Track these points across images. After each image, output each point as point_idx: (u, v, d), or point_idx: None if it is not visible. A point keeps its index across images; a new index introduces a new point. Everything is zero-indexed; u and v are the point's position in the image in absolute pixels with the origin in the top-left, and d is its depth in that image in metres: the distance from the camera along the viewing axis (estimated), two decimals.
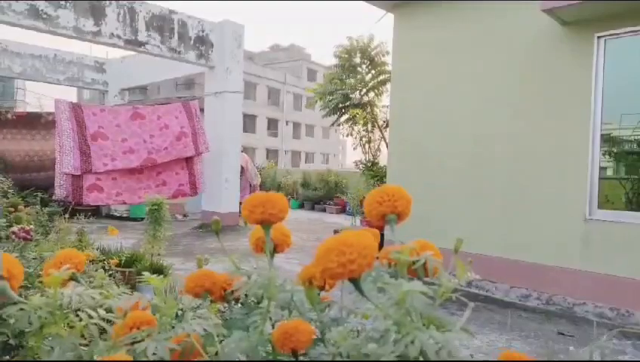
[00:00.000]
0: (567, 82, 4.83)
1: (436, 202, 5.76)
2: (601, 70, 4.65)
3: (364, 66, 12.36)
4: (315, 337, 0.75)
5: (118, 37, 8.39)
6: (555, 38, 4.91)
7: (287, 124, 40.95)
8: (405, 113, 6.32)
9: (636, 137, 4.81)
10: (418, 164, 6.09)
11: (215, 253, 6.70)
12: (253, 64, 38.45)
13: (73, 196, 7.52)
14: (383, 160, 11.31)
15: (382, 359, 0.61)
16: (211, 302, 0.95)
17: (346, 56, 12.33)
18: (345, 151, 52.58)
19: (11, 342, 0.98)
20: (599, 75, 4.66)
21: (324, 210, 15.09)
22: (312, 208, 15.60)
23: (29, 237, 2.20)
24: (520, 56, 5.18)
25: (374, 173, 10.81)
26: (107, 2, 8.19)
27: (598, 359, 0.78)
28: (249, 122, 34.62)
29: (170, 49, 9.17)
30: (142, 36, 8.72)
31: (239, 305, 0.96)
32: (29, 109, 17.43)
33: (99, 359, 0.78)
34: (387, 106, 10.80)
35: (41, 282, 1.39)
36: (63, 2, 7.62)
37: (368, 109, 12.05)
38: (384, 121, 11.50)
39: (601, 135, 4.68)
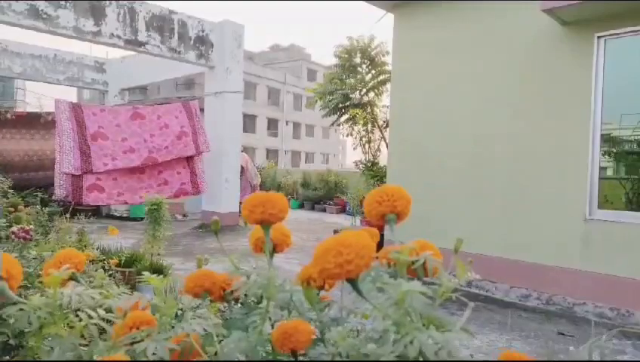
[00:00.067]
0: (567, 82, 4.83)
1: (436, 202, 5.76)
2: (601, 70, 4.65)
3: (364, 66, 12.36)
4: (314, 337, 0.75)
5: (118, 37, 8.39)
6: (555, 38, 4.91)
7: (287, 124, 40.95)
8: (405, 113, 6.32)
9: (636, 137, 4.81)
10: (418, 164, 6.09)
11: (215, 253, 6.70)
12: (253, 64, 38.45)
13: (73, 196, 7.52)
14: (383, 160, 11.31)
15: (381, 359, 0.61)
16: (211, 301, 0.95)
17: (346, 56, 12.33)
18: (345, 151, 52.58)
19: (11, 342, 0.98)
20: (599, 75, 4.66)
21: (324, 210, 15.09)
22: (312, 208, 15.60)
23: (28, 237, 2.20)
24: (520, 56, 5.18)
25: (374, 173, 10.80)
26: (107, 2, 8.19)
27: (598, 359, 0.78)
28: (249, 122, 34.62)
29: (170, 49, 9.17)
30: (142, 36, 8.72)
31: (239, 304, 0.96)
32: (29, 109, 17.44)
33: (99, 359, 0.78)
34: (387, 106, 10.80)
35: (41, 282, 1.39)
36: (63, 2, 7.62)
37: (368, 109, 12.05)
38: (384, 121, 11.50)
39: (601, 135, 4.68)
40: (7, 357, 0.99)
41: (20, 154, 9.76)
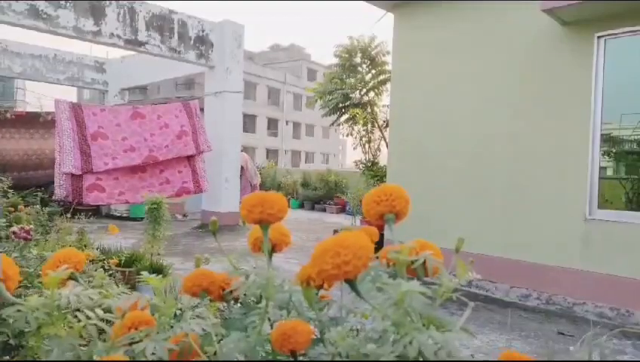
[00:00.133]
0: (567, 82, 4.83)
1: (436, 202, 5.75)
2: (601, 70, 4.65)
3: (364, 66, 12.34)
4: (314, 337, 0.75)
5: (118, 37, 8.39)
6: (555, 38, 4.91)
7: (287, 123, 40.95)
8: (405, 113, 6.32)
9: (636, 137, 4.80)
10: (418, 164, 6.08)
11: (215, 252, 6.69)
12: (253, 64, 38.44)
13: (73, 196, 7.52)
14: (383, 160, 11.30)
15: (381, 359, 0.61)
16: (211, 301, 0.94)
17: (347, 55, 12.31)
18: (345, 151, 52.58)
19: (11, 342, 0.98)
20: (599, 75, 4.65)
21: (324, 210, 15.09)
22: (312, 208, 15.59)
23: (29, 237, 2.20)
24: (520, 56, 5.18)
25: (374, 173, 10.79)
26: (107, 2, 8.19)
27: (598, 359, 0.78)
28: (249, 122, 34.62)
29: (170, 49, 9.17)
30: (142, 36, 8.72)
31: (239, 304, 0.96)
32: (29, 109, 17.43)
33: (98, 359, 0.78)
34: (387, 106, 10.79)
35: (40, 282, 1.39)
36: (63, 2, 7.62)
37: (368, 109, 12.04)
38: (384, 121, 11.49)
39: (601, 135, 4.68)
40: (7, 357, 0.99)
41: (19, 154, 9.77)
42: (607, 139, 4.79)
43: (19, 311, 0.81)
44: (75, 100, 15.11)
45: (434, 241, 0.81)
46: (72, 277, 0.91)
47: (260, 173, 14.19)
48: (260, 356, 0.75)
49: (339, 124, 13.22)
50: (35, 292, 1.23)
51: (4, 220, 3.32)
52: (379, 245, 0.85)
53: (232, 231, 9.25)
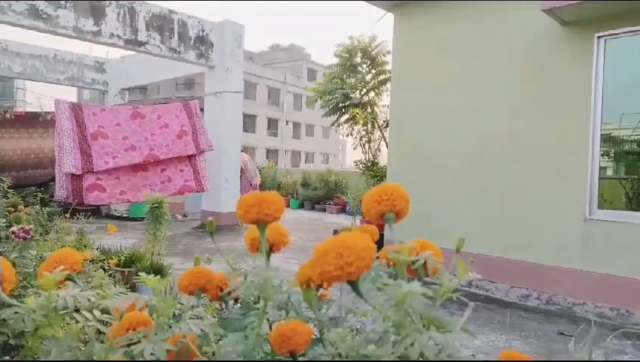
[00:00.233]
0: (567, 82, 4.83)
1: (436, 202, 5.75)
2: (601, 70, 4.65)
3: (364, 66, 12.35)
4: (313, 337, 0.75)
5: (118, 37, 8.39)
6: (555, 38, 4.90)
7: (287, 123, 40.94)
8: (405, 113, 6.31)
9: (636, 137, 4.80)
10: (418, 163, 6.08)
11: (214, 252, 6.68)
12: (253, 64, 38.43)
13: (73, 196, 7.51)
14: (383, 160, 11.30)
15: (382, 359, 0.61)
16: (211, 300, 0.94)
17: (347, 55, 12.32)
18: (345, 151, 52.57)
19: (11, 342, 0.97)
20: (599, 75, 4.65)
21: (324, 210, 15.08)
22: (312, 208, 15.59)
23: (28, 237, 2.19)
24: (520, 56, 5.18)
25: (374, 173, 10.79)
26: (107, 2, 8.18)
27: (598, 359, 0.78)
28: (249, 122, 34.61)
29: (170, 49, 9.16)
30: (142, 36, 8.71)
31: (238, 304, 0.95)
32: (29, 109, 17.44)
33: (97, 359, 0.77)
34: (387, 106, 10.78)
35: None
36: (63, 2, 7.61)
37: (368, 109, 12.04)
38: (384, 121, 11.49)
39: (601, 135, 4.67)
40: (7, 357, 0.98)
41: (19, 153, 9.78)
42: (607, 139, 4.79)
43: (16, 312, 0.80)
44: (75, 100, 15.11)
45: (434, 241, 0.81)
46: (69, 278, 0.90)
47: (260, 173, 14.18)
48: (258, 357, 0.74)
49: (339, 124, 13.22)
50: (34, 292, 1.23)
51: (4, 220, 3.32)
52: (379, 245, 0.84)
53: (232, 231, 9.25)
